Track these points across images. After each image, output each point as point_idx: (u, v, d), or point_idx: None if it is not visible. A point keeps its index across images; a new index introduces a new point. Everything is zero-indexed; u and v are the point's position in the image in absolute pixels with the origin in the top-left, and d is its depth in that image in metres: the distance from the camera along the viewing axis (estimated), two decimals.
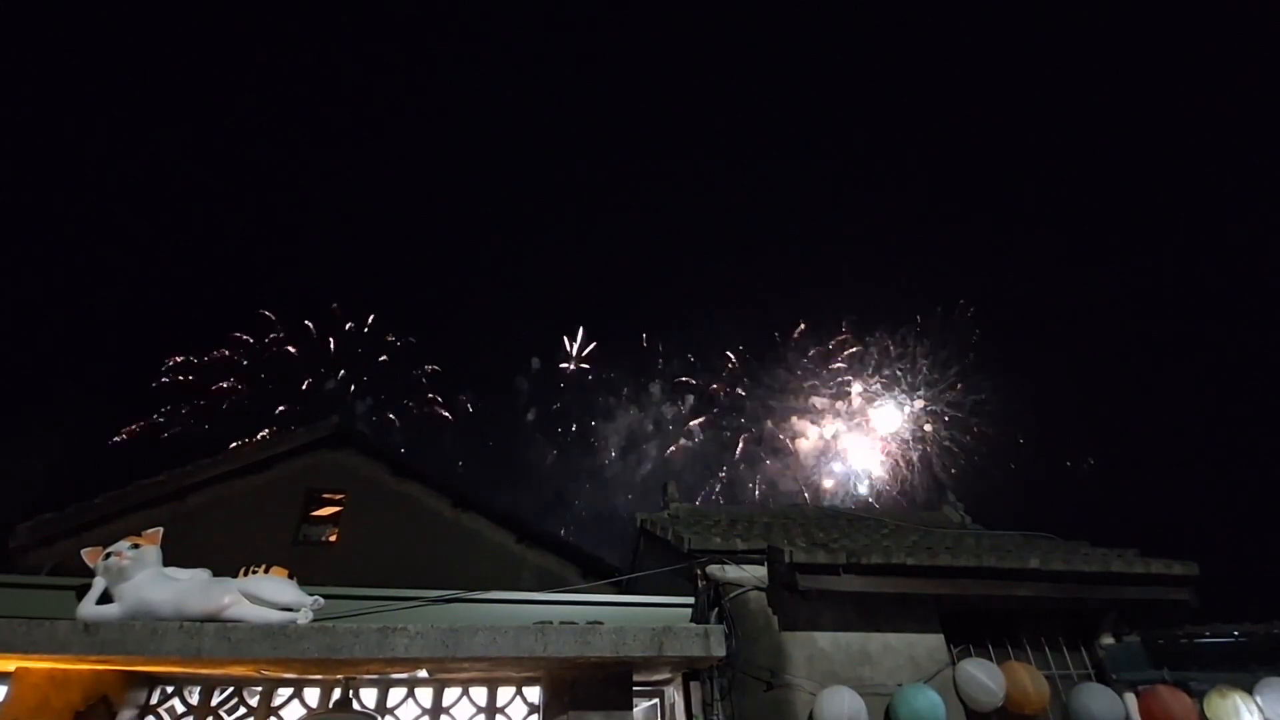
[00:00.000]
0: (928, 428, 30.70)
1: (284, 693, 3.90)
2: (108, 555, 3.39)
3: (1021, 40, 41.55)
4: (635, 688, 4.02)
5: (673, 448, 36.31)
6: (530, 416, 35.42)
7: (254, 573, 3.53)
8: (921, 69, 44.76)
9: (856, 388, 32.54)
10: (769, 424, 34.81)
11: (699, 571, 4.65)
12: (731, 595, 4.51)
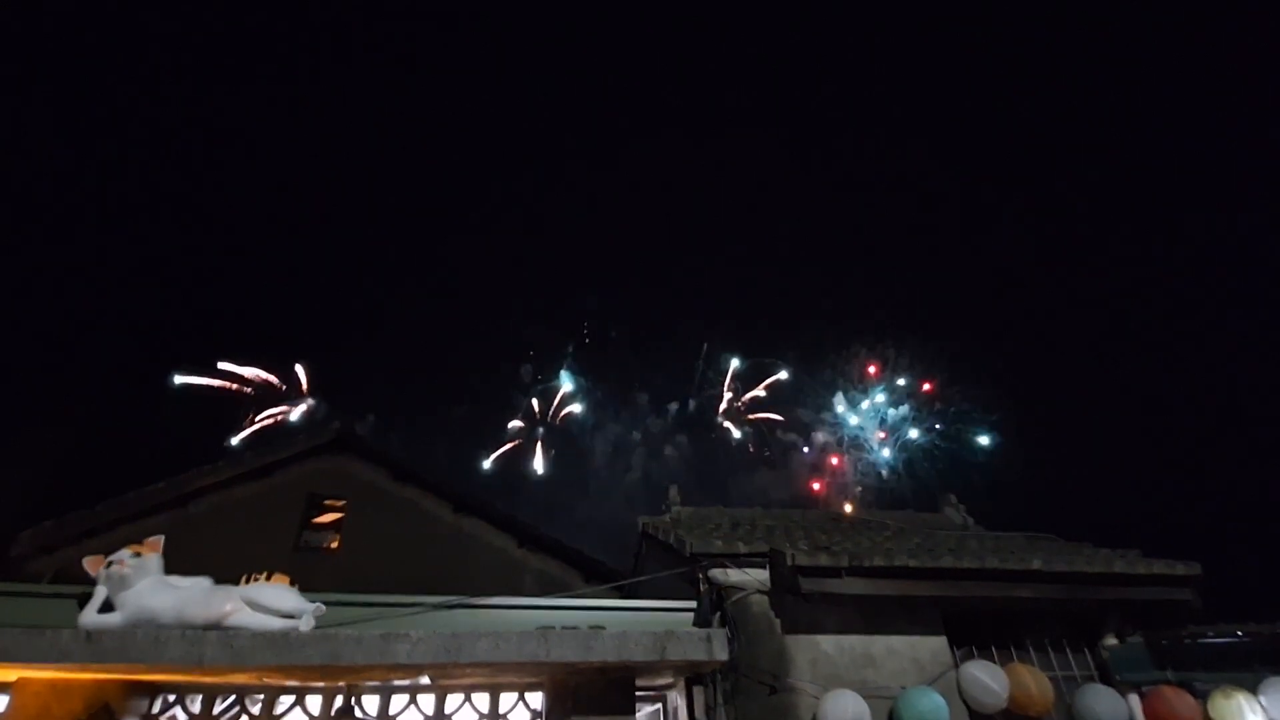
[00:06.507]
0: (913, 434, 30.67)
1: (286, 700, 3.89)
2: (109, 563, 3.39)
3: (1015, 37, 41.68)
4: (638, 692, 4.02)
5: (670, 452, 36.22)
6: (521, 424, 35.16)
7: (255, 580, 3.53)
8: (912, 68, 44.82)
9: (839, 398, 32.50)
10: (755, 431, 34.66)
11: (701, 575, 4.65)
12: (734, 599, 4.50)
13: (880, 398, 31.39)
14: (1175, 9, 35.97)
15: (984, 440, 29.27)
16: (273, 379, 28.98)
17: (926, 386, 30.78)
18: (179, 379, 26.87)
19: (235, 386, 28.19)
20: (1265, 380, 29.29)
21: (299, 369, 29.61)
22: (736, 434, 34.43)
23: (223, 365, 27.98)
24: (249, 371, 28.60)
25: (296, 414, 28.58)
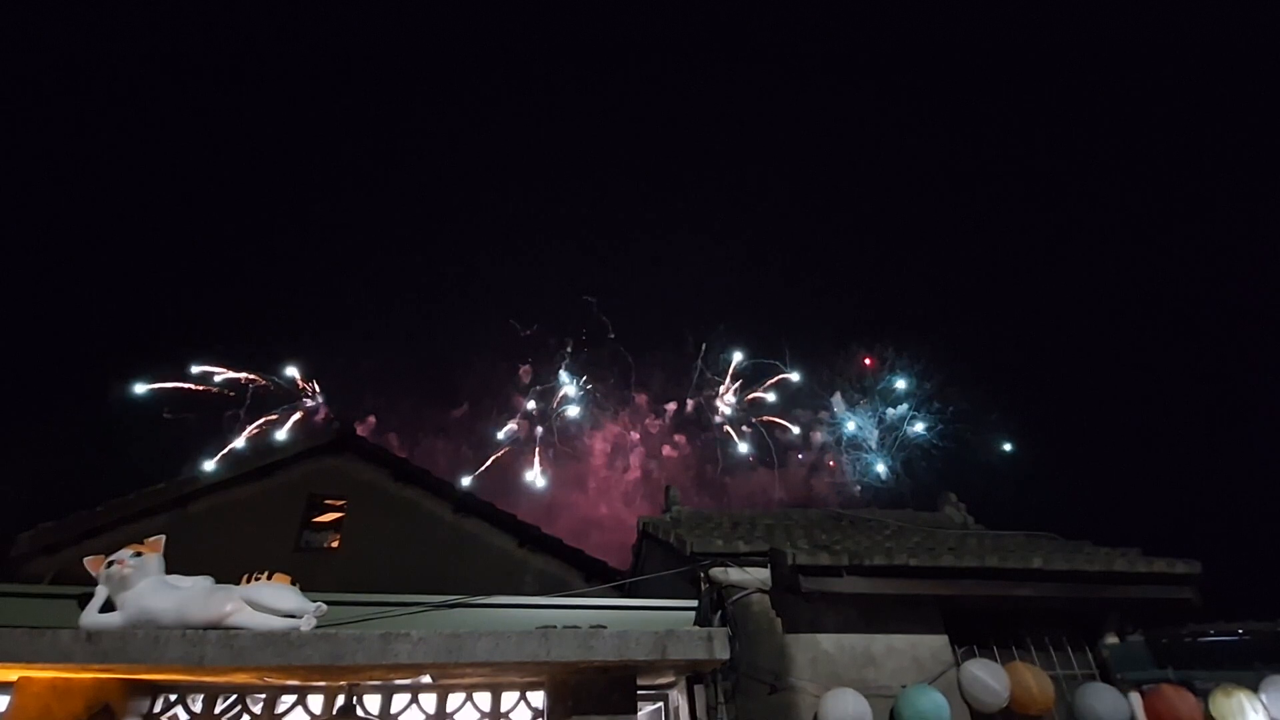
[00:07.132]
0: (918, 427, 30.66)
1: (287, 700, 3.89)
2: (110, 563, 3.38)
3: (1016, 37, 41.66)
4: (639, 692, 4.02)
5: (667, 453, 36.12)
6: (517, 426, 35.01)
7: (256, 580, 3.53)
8: (912, 66, 44.74)
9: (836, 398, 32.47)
10: (754, 431, 34.52)
11: (702, 575, 4.65)
12: (734, 598, 4.51)
13: (881, 393, 31.44)
14: (1175, 9, 36.02)
15: (1006, 446, 29.32)
16: (267, 383, 28.97)
17: (926, 384, 30.84)
18: (165, 385, 26.79)
19: (230, 393, 28.15)
20: (1265, 380, 29.33)
21: (294, 371, 29.61)
22: (735, 435, 34.47)
23: (218, 369, 27.95)
24: (242, 375, 28.57)
25: (292, 419, 28.55)
